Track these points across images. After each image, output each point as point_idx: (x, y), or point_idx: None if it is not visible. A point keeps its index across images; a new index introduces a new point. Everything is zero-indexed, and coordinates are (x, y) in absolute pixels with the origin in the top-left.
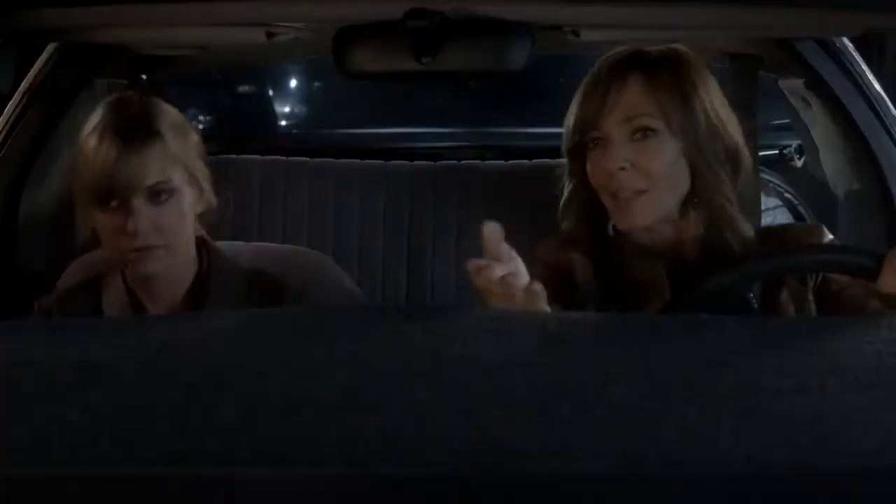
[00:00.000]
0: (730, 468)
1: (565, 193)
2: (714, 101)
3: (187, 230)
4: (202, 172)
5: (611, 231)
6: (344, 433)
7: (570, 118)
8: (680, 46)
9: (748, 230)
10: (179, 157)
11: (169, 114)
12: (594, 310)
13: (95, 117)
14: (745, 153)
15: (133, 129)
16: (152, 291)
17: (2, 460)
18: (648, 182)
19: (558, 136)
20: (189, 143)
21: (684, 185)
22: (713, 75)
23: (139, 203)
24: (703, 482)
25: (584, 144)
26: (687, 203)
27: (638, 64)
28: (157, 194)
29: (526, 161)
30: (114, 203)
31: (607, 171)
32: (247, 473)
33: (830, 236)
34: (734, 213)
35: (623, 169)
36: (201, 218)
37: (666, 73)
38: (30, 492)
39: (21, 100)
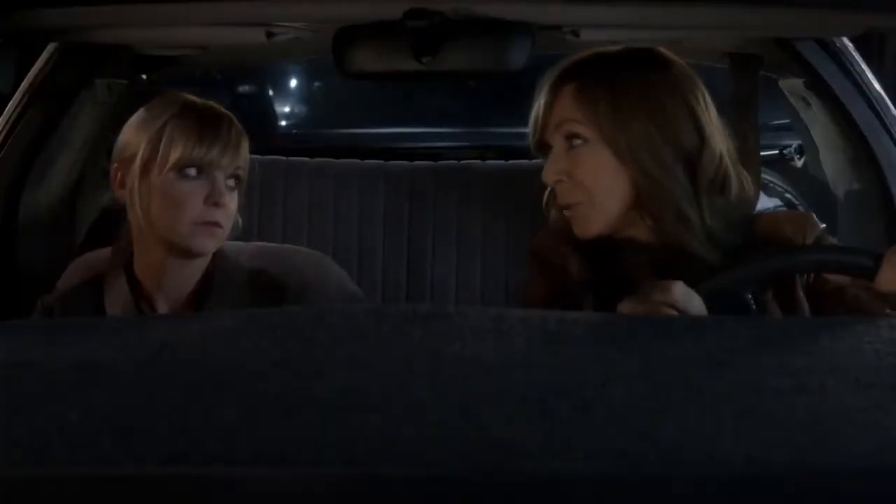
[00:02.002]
0: (730, 468)
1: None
2: (668, 101)
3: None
4: (244, 188)
5: None
6: (344, 433)
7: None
8: (647, 46)
9: (699, 238)
10: (246, 161)
11: None
12: (590, 303)
13: (179, 108)
14: (710, 152)
15: (229, 121)
16: (161, 288)
17: (2, 460)
18: (585, 194)
19: None
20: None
21: (627, 192)
22: (717, 75)
23: (223, 180)
24: (703, 482)
25: (542, 149)
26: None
27: (573, 70)
28: (234, 181)
29: (526, 161)
30: (197, 175)
31: (548, 183)
32: (247, 473)
33: (823, 225)
34: (690, 216)
35: (560, 181)
36: None
37: (600, 78)
38: (30, 492)
39: (21, 100)
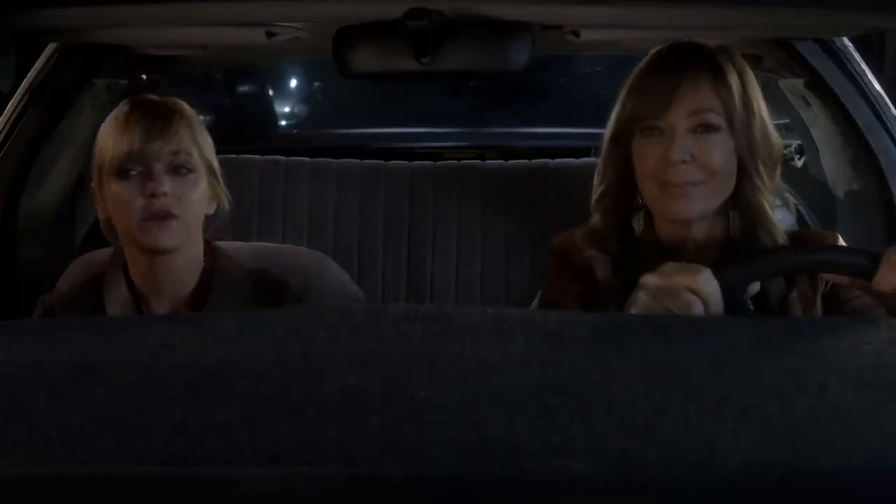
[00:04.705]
0: (730, 468)
1: (601, 185)
2: (762, 104)
3: (200, 214)
4: (217, 167)
5: (638, 227)
6: (344, 433)
7: (625, 105)
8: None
9: (781, 233)
10: (199, 141)
11: (189, 107)
12: (616, 308)
13: (119, 109)
14: (779, 167)
15: (160, 109)
16: (158, 289)
17: (2, 460)
18: (706, 175)
19: (558, 136)
20: (206, 136)
21: (732, 184)
22: None
23: (160, 170)
24: (703, 482)
25: (632, 132)
26: (727, 202)
27: (706, 59)
28: (178, 167)
29: (526, 161)
30: (135, 172)
31: (669, 160)
32: (247, 473)
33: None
34: (771, 215)
35: (684, 162)
36: (209, 220)
37: (732, 73)
38: (30, 492)
39: (21, 100)
